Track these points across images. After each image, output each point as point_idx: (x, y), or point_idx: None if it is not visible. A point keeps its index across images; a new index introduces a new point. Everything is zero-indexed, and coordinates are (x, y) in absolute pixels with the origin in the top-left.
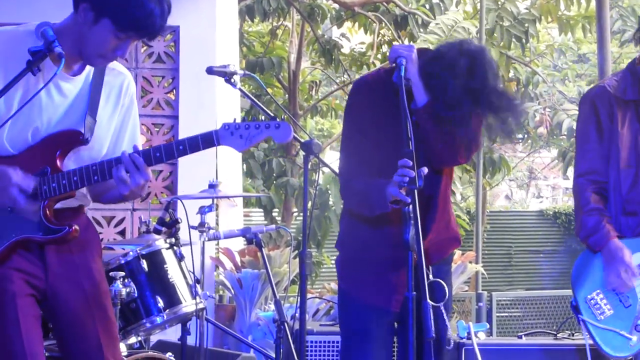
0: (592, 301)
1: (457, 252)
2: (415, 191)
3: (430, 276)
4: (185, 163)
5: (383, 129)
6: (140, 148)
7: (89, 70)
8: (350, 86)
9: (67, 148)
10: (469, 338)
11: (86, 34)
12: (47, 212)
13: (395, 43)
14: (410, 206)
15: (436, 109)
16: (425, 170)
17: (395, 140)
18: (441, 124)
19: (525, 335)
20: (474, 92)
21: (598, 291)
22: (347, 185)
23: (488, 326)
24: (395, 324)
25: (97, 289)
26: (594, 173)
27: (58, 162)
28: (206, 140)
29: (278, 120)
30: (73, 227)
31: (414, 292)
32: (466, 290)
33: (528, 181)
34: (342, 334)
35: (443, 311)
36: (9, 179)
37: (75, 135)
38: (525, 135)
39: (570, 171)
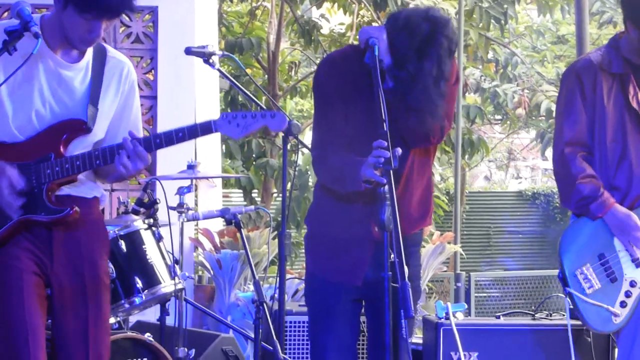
0: (581, 275)
1: (436, 233)
2: (391, 172)
3: (392, 256)
4: None
5: (353, 104)
6: (141, 135)
7: (88, 58)
8: None
9: (71, 136)
10: (447, 318)
11: (62, 20)
12: (49, 194)
13: (374, 24)
14: (386, 187)
15: (392, 69)
16: (400, 150)
17: (365, 116)
18: (413, 103)
19: (503, 315)
20: (425, 56)
21: (588, 265)
22: (320, 160)
23: (466, 306)
24: (362, 303)
25: (98, 283)
26: (580, 144)
27: (62, 149)
28: (204, 128)
29: (273, 110)
30: (74, 209)
31: (390, 273)
32: (445, 271)
33: (507, 162)
34: (308, 311)
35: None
36: (2, 170)
37: (79, 124)
38: (504, 117)
39: (549, 152)
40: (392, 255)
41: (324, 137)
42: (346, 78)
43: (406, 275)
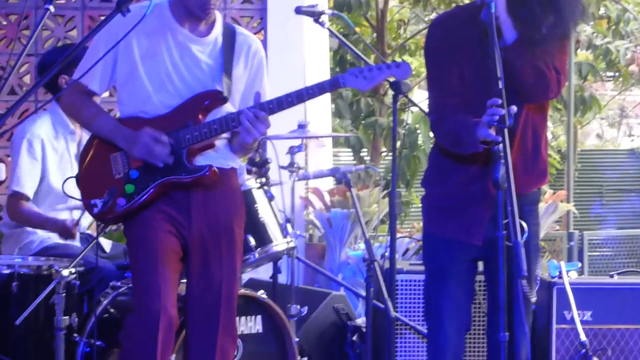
0: None
1: (548, 192)
2: (505, 130)
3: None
4: None
5: (466, 65)
6: None
7: (217, 33)
8: None
9: (210, 106)
10: (560, 277)
11: None
12: (189, 156)
13: None
14: (500, 145)
15: (525, 41)
16: (515, 108)
17: (479, 76)
18: (532, 59)
19: (617, 274)
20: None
21: None
22: (437, 124)
23: (580, 265)
24: (480, 264)
25: (232, 247)
26: None
27: (200, 116)
28: (333, 84)
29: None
30: (211, 169)
31: (505, 232)
32: (557, 230)
33: (619, 119)
34: (425, 271)
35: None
36: (145, 133)
37: (216, 95)
38: (617, 74)
39: None
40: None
41: (439, 101)
42: (457, 39)
43: (525, 234)
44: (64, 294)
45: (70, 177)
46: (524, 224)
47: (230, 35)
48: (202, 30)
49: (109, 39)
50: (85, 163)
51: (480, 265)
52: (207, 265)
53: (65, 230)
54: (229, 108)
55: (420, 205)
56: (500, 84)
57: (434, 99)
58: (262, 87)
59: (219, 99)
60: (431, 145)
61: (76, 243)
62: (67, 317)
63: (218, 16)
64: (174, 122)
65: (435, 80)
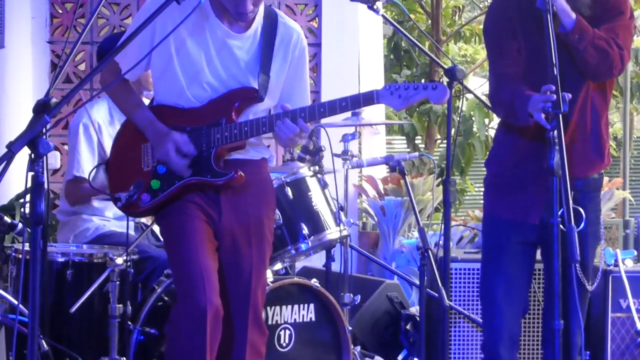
0: None
1: (604, 179)
2: (560, 116)
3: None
4: (328, 91)
5: (524, 43)
6: (308, 102)
7: (257, 25)
8: None
9: (243, 104)
10: (616, 265)
11: None
12: (217, 157)
13: None
14: (555, 131)
15: (584, 23)
16: (569, 95)
17: (535, 56)
18: (593, 39)
19: None
20: None
21: None
22: (494, 92)
23: (635, 253)
24: (537, 248)
25: (262, 239)
26: None
27: (234, 115)
28: (367, 99)
29: (435, 82)
30: (238, 173)
31: (559, 218)
32: (613, 217)
33: None
34: (482, 250)
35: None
36: (169, 135)
37: (251, 92)
38: None
39: None
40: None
41: (498, 70)
42: (515, 18)
43: (582, 220)
44: (118, 282)
45: (101, 164)
46: (582, 210)
47: (271, 26)
48: (242, 25)
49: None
50: (117, 150)
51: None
52: (236, 258)
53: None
54: (268, 104)
55: (479, 190)
56: (555, 70)
57: (493, 69)
58: (303, 81)
59: (254, 97)
60: (486, 133)
61: (131, 231)
62: (121, 305)
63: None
64: (208, 116)
65: (495, 51)
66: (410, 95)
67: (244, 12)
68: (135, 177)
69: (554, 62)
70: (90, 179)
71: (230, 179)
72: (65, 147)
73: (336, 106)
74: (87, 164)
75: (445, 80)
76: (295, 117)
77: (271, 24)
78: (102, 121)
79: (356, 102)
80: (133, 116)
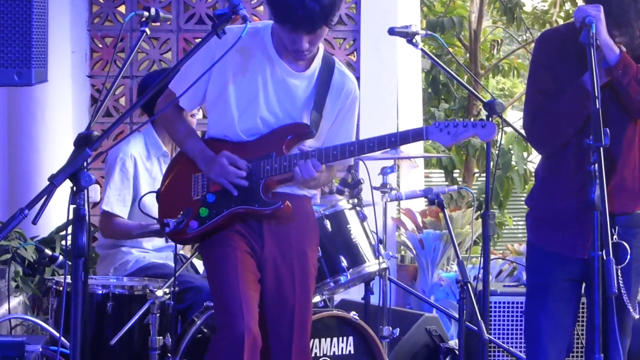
0: None
1: None
2: (601, 149)
3: (615, 237)
4: (367, 124)
5: (565, 78)
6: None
7: (316, 67)
8: (532, 45)
9: (295, 139)
10: None
11: (277, 32)
12: (266, 188)
13: (579, 1)
14: (596, 165)
15: (628, 58)
16: (607, 131)
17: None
18: (637, 74)
19: None
20: None
21: None
22: (532, 119)
23: None
24: (582, 284)
25: (306, 273)
26: None
27: (284, 149)
28: (416, 135)
29: (484, 121)
30: (285, 203)
31: (600, 252)
32: None
33: None
34: (527, 286)
35: (616, 273)
36: (222, 155)
37: (303, 128)
38: None
39: None
40: (614, 237)
41: (536, 96)
42: (560, 53)
43: (628, 255)
44: (158, 314)
45: (151, 192)
46: (626, 245)
47: (328, 71)
48: (301, 65)
49: (206, 57)
50: (168, 180)
51: None
52: (280, 290)
53: (154, 231)
54: (315, 143)
55: (517, 223)
56: (598, 103)
57: (529, 95)
58: (350, 127)
59: (305, 132)
60: (524, 167)
61: (170, 263)
62: (161, 337)
63: (320, 47)
64: (258, 150)
65: (535, 80)
66: (459, 133)
67: (300, 50)
68: (185, 205)
69: (596, 95)
70: (140, 206)
71: (277, 209)
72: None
73: (385, 141)
74: (117, 200)
75: (484, 113)
76: (345, 152)
77: (328, 69)
78: (139, 155)
79: (405, 138)
80: (184, 145)
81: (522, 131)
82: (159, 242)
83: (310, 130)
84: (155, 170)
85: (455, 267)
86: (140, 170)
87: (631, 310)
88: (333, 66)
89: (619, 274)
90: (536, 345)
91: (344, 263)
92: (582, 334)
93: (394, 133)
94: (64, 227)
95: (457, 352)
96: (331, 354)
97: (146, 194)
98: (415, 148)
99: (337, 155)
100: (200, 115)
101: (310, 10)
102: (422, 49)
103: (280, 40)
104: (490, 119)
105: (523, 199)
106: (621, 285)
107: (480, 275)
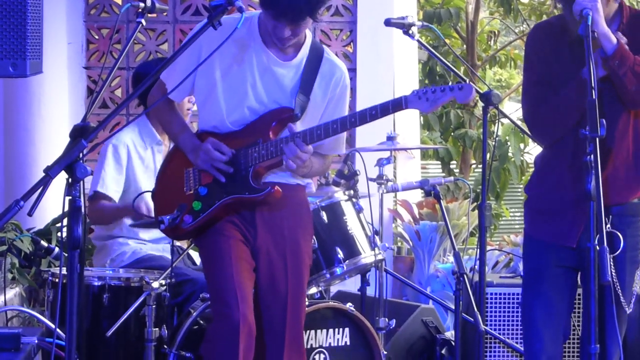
0: None
1: None
2: (597, 140)
3: (609, 226)
4: None
5: (562, 71)
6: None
7: (303, 55)
8: None
9: (281, 124)
10: None
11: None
12: (255, 175)
13: None
14: (592, 156)
15: (625, 48)
16: (604, 121)
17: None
18: (633, 65)
19: None
20: None
21: None
22: (532, 109)
23: None
24: (577, 273)
25: (299, 262)
26: None
27: (271, 134)
28: (396, 105)
29: (461, 83)
30: (275, 188)
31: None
32: None
33: None
34: (523, 275)
35: (609, 261)
36: (208, 140)
37: (287, 112)
38: None
39: None
40: (608, 226)
41: (534, 88)
42: (553, 44)
43: (620, 244)
44: (154, 306)
45: (146, 192)
46: (619, 235)
47: (316, 59)
48: (289, 53)
49: (194, 48)
50: (162, 178)
51: None
52: (273, 279)
53: (138, 214)
54: (305, 126)
55: (514, 215)
56: (594, 94)
57: (527, 87)
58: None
59: (289, 116)
60: (521, 158)
61: (167, 255)
62: (157, 328)
63: (308, 35)
64: (246, 138)
65: (531, 72)
66: (437, 98)
67: (282, 37)
68: (179, 201)
69: (593, 86)
70: (134, 206)
71: (268, 194)
72: None
73: (366, 115)
74: (111, 182)
75: (480, 104)
76: (328, 130)
77: (317, 57)
78: (132, 143)
79: (385, 109)
80: (177, 138)
81: (519, 122)
82: (156, 233)
83: (295, 114)
84: (149, 158)
85: (451, 259)
86: (133, 157)
87: (623, 301)
88: (322, 55)
89: (611, 263)
90: (531, 332)
91: (340, 254)
92: (579, 325)
93: (374, 106)
94: (59, 218)
95: (453, 344)
96: (327, 345)
97: (141, 193)
98: (412, 139)
99: (322, 134)
100: (195, 108)
101: (295, 0)
102: (418, 40)
103: (266, 31)
104: (487, 110)
105: (520, 190)
106: (613, 274)
107: (476, 267)
